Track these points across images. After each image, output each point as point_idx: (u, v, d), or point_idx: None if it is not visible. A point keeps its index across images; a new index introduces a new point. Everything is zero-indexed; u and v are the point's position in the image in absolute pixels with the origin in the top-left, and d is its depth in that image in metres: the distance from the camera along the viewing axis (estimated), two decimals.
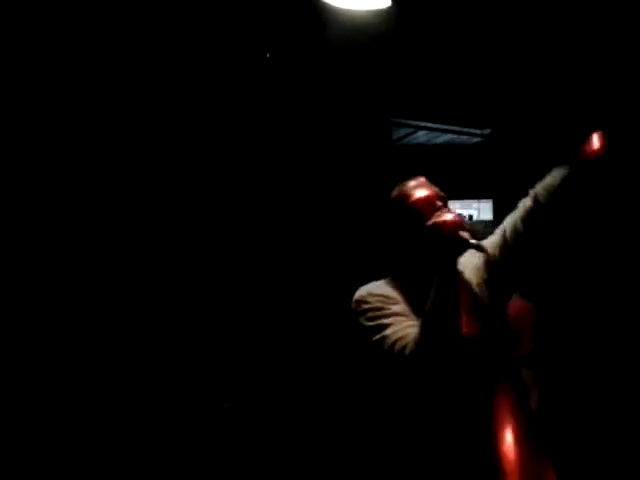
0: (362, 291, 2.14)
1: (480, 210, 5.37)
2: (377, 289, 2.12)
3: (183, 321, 4.23)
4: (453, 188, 5.43)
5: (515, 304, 2.72)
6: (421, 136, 5.64)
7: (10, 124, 3.72)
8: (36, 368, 3.59)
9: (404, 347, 1.91)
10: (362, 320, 2.05)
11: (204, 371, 4.26)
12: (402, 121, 5.55)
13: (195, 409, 4.10)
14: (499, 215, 5.21)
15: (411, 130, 5.60)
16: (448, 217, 2.01)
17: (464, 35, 3.82)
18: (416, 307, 2.03)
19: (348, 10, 3.20)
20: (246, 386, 4.25)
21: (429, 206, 2.13)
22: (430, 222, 2.01)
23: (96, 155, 4.02)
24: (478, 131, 5.40)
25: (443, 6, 3.49)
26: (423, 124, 5.50)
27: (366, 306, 2.06)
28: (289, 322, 4.47)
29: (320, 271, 4.70)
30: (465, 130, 5.44)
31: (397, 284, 2.14)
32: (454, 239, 1.95)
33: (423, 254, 2.06)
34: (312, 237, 4.76)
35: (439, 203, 2.13)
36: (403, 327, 1.95)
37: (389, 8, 3.09)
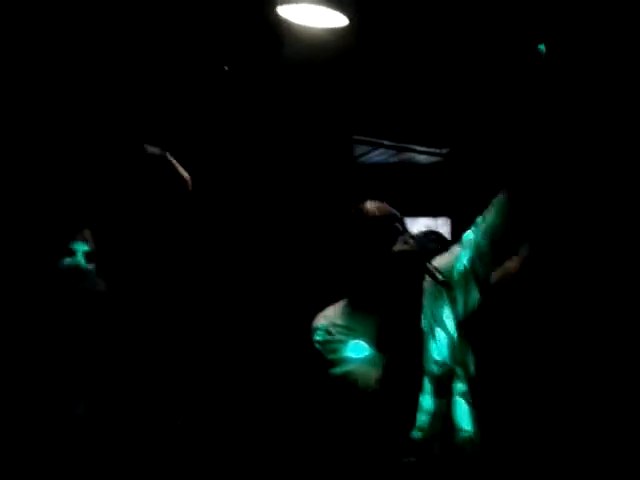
0: (322, 320, 2.11)
1: (438, 229, 5.42)
2: (338, 319, 2.09)
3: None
4: (411, 206, 5.49)
5: None
6: (379, 154, 5.67)
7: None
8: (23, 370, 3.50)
9: (367, 387, 1.90)
10: (323, 350, 2.04)
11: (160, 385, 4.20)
12: (362, 138, 5.58)
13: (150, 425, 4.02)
14: (456, 233, 5.26)
15: (370, 148, 5.63)
16: (411, 246, 1.97)
17: (422, 54, 3.86)
18: (367, 325, 2.04)
19: (307, 28, 3.22)
20: (202, 401, 4.19)
21: (386, 229, 2.08)
22: (396, 249, 1.97)
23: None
24: (437, 150, 5.45)
25: (402, 25, 3.52)
26: (382, 142, 5.53)
27: (328, 337, 2.05)
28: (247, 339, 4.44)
29: (282, 284, 4.68)
30: (424, 149, 5.49)
31: (353, 306, 2.12)
32: (418, 270, 1.93)
33: (381, 276, 2.03)
34: (271, 252, 4.74)
35: (397, 225, 2.10)
36: (364, 365, 1.94)
37: (347, 26, 3.11)
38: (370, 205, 2.12)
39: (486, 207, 2.36)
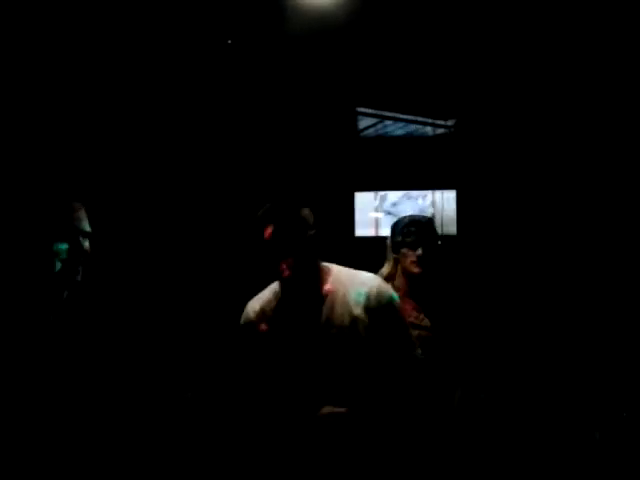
0: (248, 305, 2.24)
1: (444, 200, 5.40)
2: (256, 303, 2.22)
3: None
4: (417, 179, 5.48)
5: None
6: (385, 127, 5.64)
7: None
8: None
9: None
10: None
11: (169, 361, 4.24)
12: (367, 111, 5.56)
13: (160, 399, 4.07)
14: (462, 205, 5.27)
15: (375, 120, 5.60)
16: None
17: (427, 24, 3.82)
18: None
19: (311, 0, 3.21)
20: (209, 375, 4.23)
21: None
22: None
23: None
24: (442, 122, 5.42)
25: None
26: (387, 114, 5.50)
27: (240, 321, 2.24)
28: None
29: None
30: (429, 121, 5.46)
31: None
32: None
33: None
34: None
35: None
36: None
37: None
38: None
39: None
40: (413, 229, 2.85)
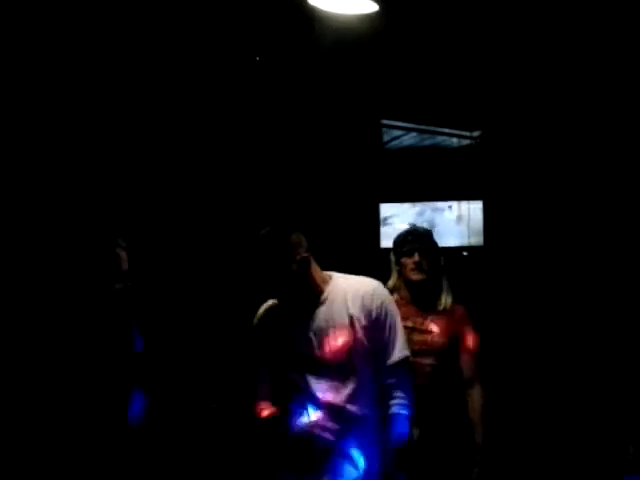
0: (262, 307, 2.48)
1: (470, 211, 5.40)
2: (267, 305, 2.46)
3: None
4: (443, 189, 5.49)
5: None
6: (410, 138, 5.67)
7: (10, 124, 3.72)
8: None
9: None
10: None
11: (194, 371, 4.28)
12: (392, 123, 5.58)
13: (185, 409, 4.11)
14: (489, 215, 5.26)
15: (401, 133, 5.63)
16: None
17: (451, 37, 3.85)
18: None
19: (337, 14, 3.23)
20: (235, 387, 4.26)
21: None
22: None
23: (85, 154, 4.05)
24: (467, 133, 5.43)
25: (431, 9, 3.52)
26: (412, 126, 5.53)
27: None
28: None
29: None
30: (454, 132, 5.48)
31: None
32: None
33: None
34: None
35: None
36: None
37: (377, 12, 3.12)
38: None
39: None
40: (410, 238, 3.00)
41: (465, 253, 5.41)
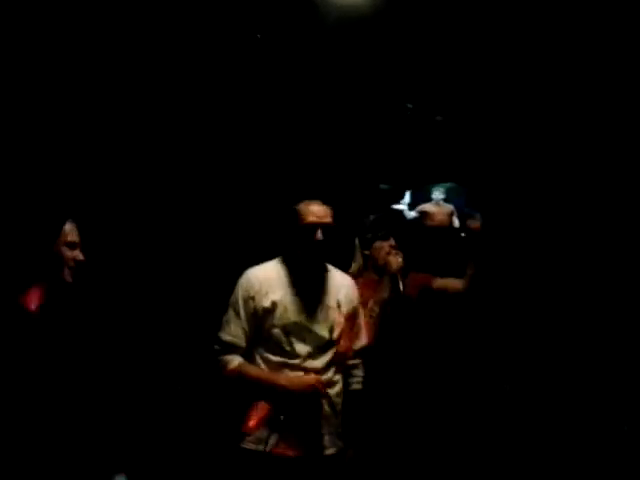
0: (246, 274, 2.67)
1: None
2: (260, 274, 2.66)
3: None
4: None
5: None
6: None
7: (10, 124, 3.70)
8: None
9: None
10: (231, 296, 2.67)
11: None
12: None
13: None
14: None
15: None
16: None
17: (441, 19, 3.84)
18: (296, 283, 2.64)
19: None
20: None
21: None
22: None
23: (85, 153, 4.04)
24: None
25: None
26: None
27: (235, 291, 2.66)
28: None
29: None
30: None
31: (284, 265, 2.68)
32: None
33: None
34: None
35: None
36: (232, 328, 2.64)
37: None
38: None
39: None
40: (383, 223, 3.12)
41: (463, 234, 5.45)
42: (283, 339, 2.56)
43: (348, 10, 3.43)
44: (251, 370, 2.58)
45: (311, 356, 2.57)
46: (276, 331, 2.56)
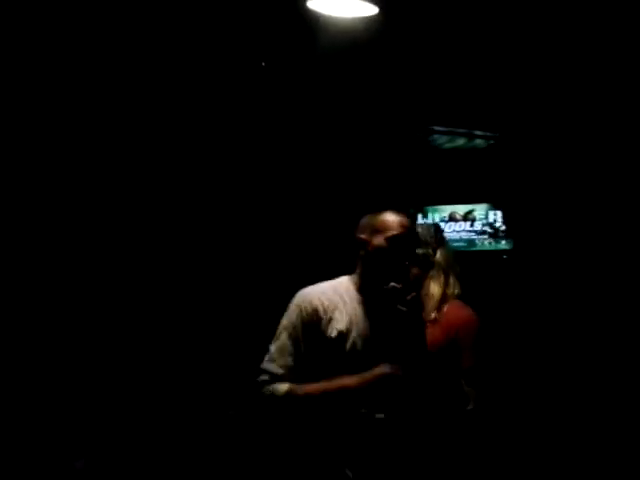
0: (302, 294, 2.38)
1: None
2: (321, 296, 2.35)
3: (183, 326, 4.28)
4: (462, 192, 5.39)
5: (457, 315, 2.74)
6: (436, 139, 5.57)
7: (10, 124, 3.79)
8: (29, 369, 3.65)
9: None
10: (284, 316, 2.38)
11: (210, 378, 4.30)
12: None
13: (201, 416, 4.13)
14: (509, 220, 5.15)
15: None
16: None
17: (448, 38, 3.77)
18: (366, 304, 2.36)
19: (336, 18, 3.22)
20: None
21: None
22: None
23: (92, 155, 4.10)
24: (493, 134, 5.32)
25: (433, 10, 3.46)
26: (438, 128, 5.44)
27: (289, 310, 2.37)
28: None
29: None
30: (480, 133, 5.37)
31: (351, 283, 2.40)
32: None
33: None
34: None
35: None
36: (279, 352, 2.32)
37: (375, 15, 3.10)
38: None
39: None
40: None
41: (505, 256, 5.33)
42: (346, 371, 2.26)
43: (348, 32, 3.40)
44: (306, 387, 2.26)
45: None
46: (340, 364, 2.28)
